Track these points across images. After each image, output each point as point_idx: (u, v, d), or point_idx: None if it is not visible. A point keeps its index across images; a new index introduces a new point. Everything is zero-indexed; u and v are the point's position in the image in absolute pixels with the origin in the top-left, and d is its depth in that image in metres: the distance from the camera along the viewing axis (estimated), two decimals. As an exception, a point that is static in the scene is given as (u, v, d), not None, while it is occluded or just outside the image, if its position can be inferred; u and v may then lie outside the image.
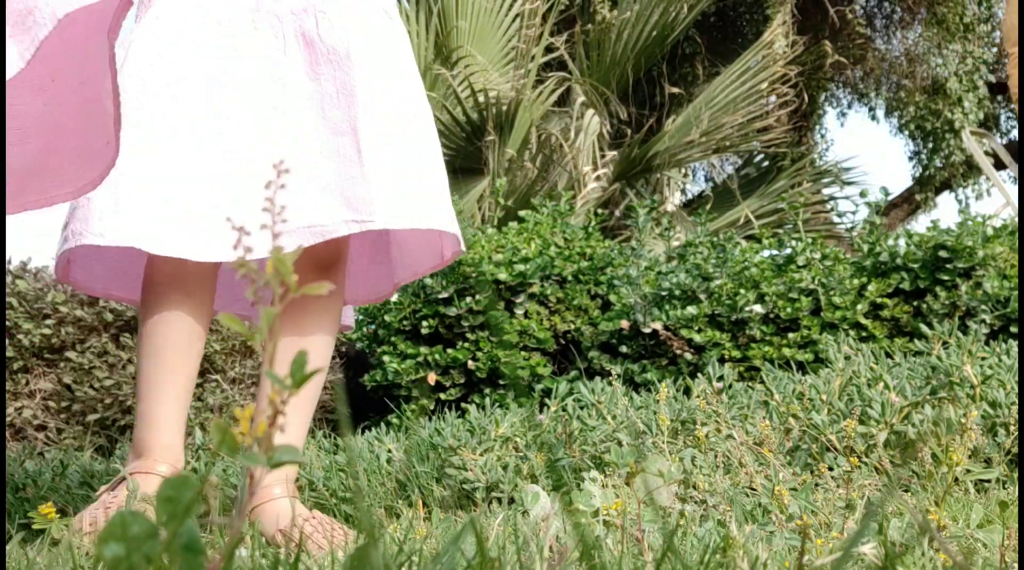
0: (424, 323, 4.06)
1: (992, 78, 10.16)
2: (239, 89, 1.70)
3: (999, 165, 6.68)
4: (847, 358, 2.63)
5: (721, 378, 2.51)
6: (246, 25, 1.72)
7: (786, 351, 3.66)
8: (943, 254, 3.69)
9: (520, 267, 4.03)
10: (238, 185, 1.65)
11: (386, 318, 4.13)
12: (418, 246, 1.97)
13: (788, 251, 4.04)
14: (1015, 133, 10.65)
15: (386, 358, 4.04)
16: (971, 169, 10.34)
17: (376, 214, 1.64)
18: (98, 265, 1.87)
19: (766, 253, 4.11)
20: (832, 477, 1.90)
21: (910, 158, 10.95)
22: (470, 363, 3.97)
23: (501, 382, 3.99)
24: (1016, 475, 1.95)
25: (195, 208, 1.63)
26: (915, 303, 3.75)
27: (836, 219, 7.86)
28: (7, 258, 4.14)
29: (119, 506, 1.63)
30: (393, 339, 4.11)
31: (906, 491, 1.86)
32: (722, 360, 3.70)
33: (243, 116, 1.69)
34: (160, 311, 1.71)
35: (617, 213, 7.53)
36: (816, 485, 1.85)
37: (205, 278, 1.74)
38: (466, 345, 4.00)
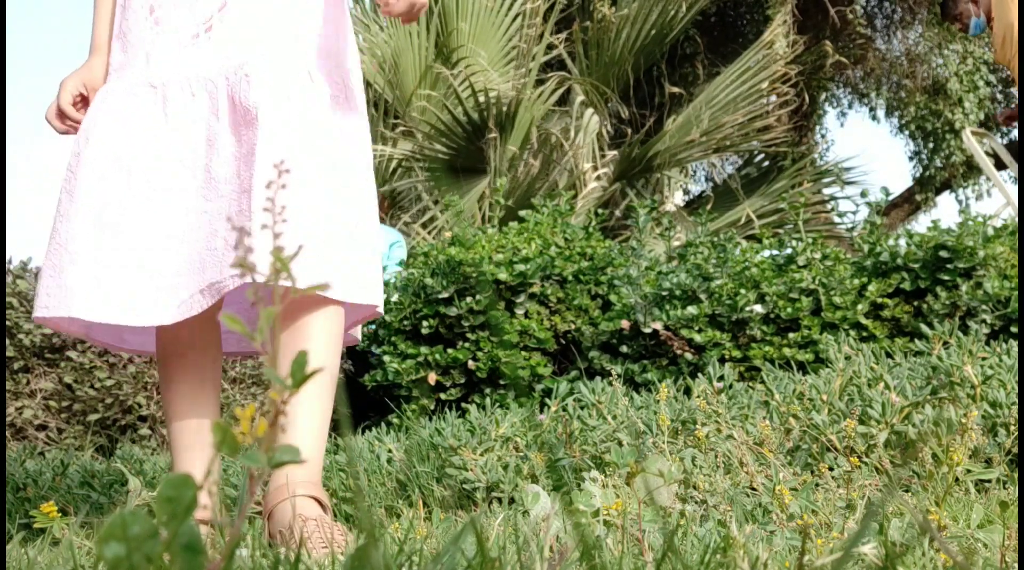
0: (424, 323, 4.06)
1: (993, 78, 10.16)
2: (177, 156, 1.81)
3: (999, 165, 6.68)
4: (847, 358, 2.63)
5: (721, 378, 2.51)
6: (184, 90, 1.82)
7: (786, 351, 3.65)
8: (944, 254, 3.69)
9: (520, 267, 4.03)
10: (177, 246, 1.77)
11: (386, 318, 4.13)
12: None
13: (788, 251, 4.04)
14: (1015, 133, 10.65)
15: (386, 358, 4.04)
16: (971, 169, 10.34)
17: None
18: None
19: (766, 253, 4.11)
20: (832, 477, 1.90)
21: (910, 158, 10.95)
22: (470, 363, 3.97)
23: (501, 382, 3.99)
24: (1016, 475, 1.95)
25: (135, 273, 1.76)
26: (916, 303, 3.75)
27: (837, 219, 7.85)
28: (8, 258, 4.14)
29: None
30: (393, 339, 4.11)
31: (906, 491, 1.86)
32: (722, 360, 3.70)
33: (181, 182, 1.80)
34: (169, 379, 1.88)
35: (617, 213, 7.53)
36: (816, 485, 1.85)
37: (196, 334, 1.87)
38: (466, 345, 4.00)
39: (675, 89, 8.37)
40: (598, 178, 7.27)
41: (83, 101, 1.93)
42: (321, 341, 1.76)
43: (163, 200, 1.78)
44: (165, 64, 1.83)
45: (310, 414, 1.73)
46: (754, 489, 1.89)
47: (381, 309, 1.88)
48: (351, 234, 1.81)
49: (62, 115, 1.93)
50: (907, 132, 10.81)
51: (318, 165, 1.79)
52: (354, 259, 1.80)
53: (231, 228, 1.70)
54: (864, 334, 3.68)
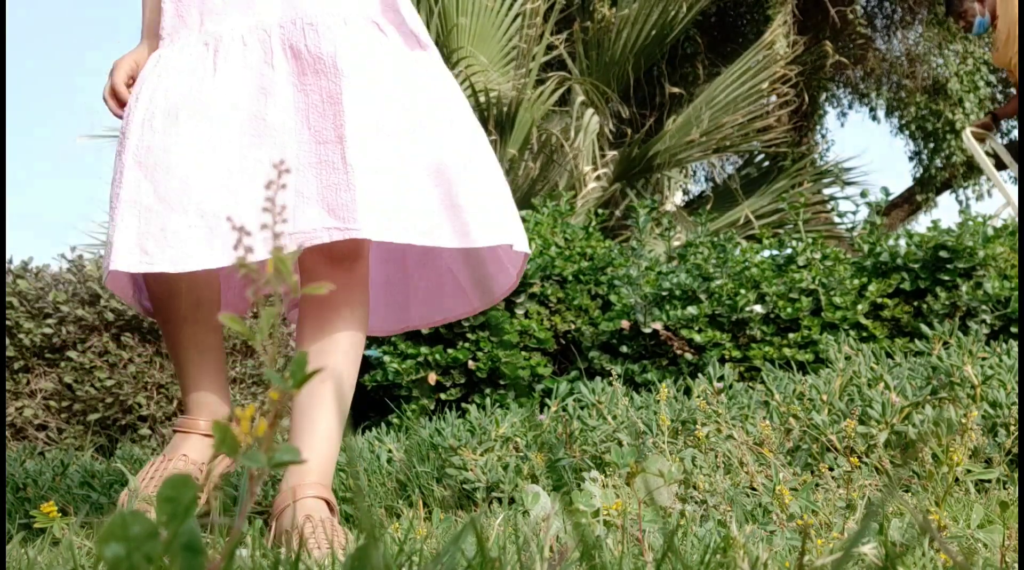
0: (424, 323, 4.06)
1: (993, 78, 10.16)
2: (226, 103, 1.75)
3: (999, 165, 6.69)
4: (847, 358, 2.63)
5: (721, 378, 2.51)
6: (236, 40, 1.78)
7: (786, 351, 3.65)
8: (943, 254, 3.69)
9: (520, 267, 4.03)
10: (228, 196, 1.70)
11: (386, 318, 4.13)
12: (454, 285, 2.02)
13: (788, 251, 4.04)
14: (1015, 133, 10.66)
15: (386, 358, 4.04)
16: (971, 169, 10.34)
17: (361, 222, 1.65)
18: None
19: (766, 253, 4.11)
20: (832, 477, 1.90)
21: (910, 158, 10.95)
22: (470, 363, 3.97)
23: (501, 382, 3.99)
24: (1016, 475, 1.95)
25: (187, 222, 1.68)
26: (915, 303, 3.75)
27: (837, 219, 7.85)
28: (8, 258, 4.14)
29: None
30: (393, 339, 4.11)
31: (906, 491, 1.86)
32: (722, 360, 3.70)
33: (231, 130, 1.74)
34: (169, 315, 1.84)
35: (617, 213, 7.53)
36: (816, 485, 1.85)
37: (198, 280, 1.81)
38: (466, 345, 4.00)
39: (675, 89, 8.37)
40: (598, 178, 7.27)
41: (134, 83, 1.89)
42: (344, 347, 1.77)
43: (215, 147, 1.72)
44: (218, 21, 1.79)
45: (327, 417, 1.74)
46: (754, 489, 1.89)
47: (524, 248, 1.84)
48: (477, 177, 1.78)
49: (115, 95, 1.90)
50: (907, 132, 10.81)
51: (407, 117, 1.76)
52: (483, 203, 1.77)
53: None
54: (864, 334, 3.68)
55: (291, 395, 0.64)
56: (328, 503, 1.70)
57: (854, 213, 7.52)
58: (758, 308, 3.74)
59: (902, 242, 3.88)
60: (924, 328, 2.84)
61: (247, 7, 1.80)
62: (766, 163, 8.26)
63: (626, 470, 1.75)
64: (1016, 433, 2.06)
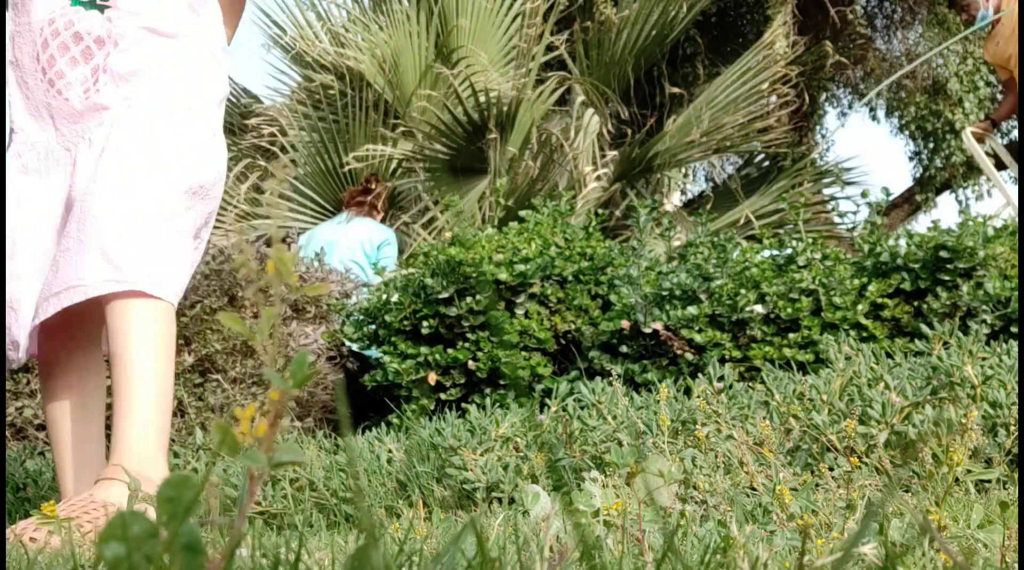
0: (424, 323, 4.05)
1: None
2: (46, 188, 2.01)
3: (999, 165, 6.69)
4: (847, 358, 2.63)
5: (722, 378, 2.51)
6: (84, 142, 2.00)
7: (787, 351, 3.65)
8: (944, 254, 3.69)
9: (520, 267, 4.03)
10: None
11: (386, 318, 4.13)
12: None
13: (789, 251, 4.03)
14: (1015, 133, 10.66)
15: (386, 358, 4.04)
16: (971, 169, 10.33)
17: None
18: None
19: (767, 253, 4.10)
20: (833, 477, 1.90)
21: (910, 158, 10.95)
22: (470, 363, 3.97)
23: (502, 382, 3.99)
24: (1016, 475, 1.95)
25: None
26: (916, 303, 3.75)
27: (837, 219, 7.85)
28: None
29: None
30: (393, 339, 4.11)
31: (907, 491, 1.86)
32: (723, 360, 3.70)
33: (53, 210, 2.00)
34: (46, 396, 2.08)
35: (618, 213, 7.53)
36: (816, 485, 1.85)
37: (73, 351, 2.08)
38: (466, 345, 4.00)
39: (675, 89, 8.37)
40: (598, 178, 7.26)
41: None
42: (146, 340, 1.93)
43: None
44: (64, 123, 2.00)
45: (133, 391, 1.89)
46: (754, 489, 1.89)
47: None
48: None
49: None
50: (907, 132, 10.81)
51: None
52: None
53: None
54: (864, 334, 3.67)
55: (291, 395, 0.64)
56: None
57: (854, 213, 7.51)
58: (758, 308, 3.74)
59: (902, 242, 3.88)
60: (924, 328, 2.84)
61: (84, 107, 2.00)
62: (766, 163, 8.26)
63: (626, 470, 1.75)
64: (1016, 433, 2.06)
